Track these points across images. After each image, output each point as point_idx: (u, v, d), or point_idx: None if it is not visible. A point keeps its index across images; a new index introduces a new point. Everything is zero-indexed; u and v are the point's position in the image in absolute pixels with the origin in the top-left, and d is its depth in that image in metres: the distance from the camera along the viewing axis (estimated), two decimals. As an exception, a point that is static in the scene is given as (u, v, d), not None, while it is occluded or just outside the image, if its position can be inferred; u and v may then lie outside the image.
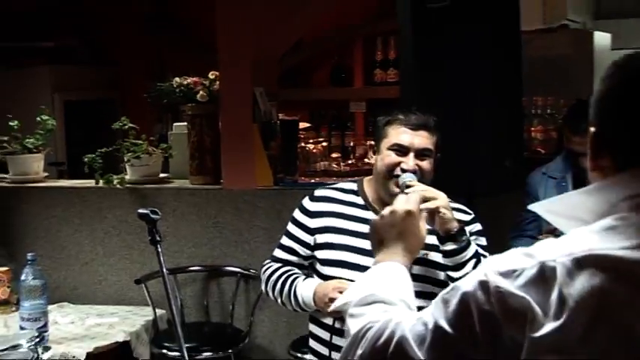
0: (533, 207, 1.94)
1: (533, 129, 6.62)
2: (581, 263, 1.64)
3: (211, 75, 5.86)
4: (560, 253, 1.67)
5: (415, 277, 3.10)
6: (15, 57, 7.93)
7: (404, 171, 3.38)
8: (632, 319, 1.62)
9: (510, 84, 4.63)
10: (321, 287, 3.48)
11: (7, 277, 5.36)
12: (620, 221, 1.68)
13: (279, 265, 3.74)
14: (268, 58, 6.01)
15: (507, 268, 1.70)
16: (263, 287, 3.79)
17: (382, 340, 1.79)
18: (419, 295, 3.08)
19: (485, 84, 4.41)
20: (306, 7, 6.01)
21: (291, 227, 3.74)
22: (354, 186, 3.71)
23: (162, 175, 6.15)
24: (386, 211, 2.42)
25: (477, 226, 3.58)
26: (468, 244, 3.35)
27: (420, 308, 2.74)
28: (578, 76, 7.57)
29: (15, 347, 3.76)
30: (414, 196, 2.57)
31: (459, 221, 3.37)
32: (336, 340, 3.45)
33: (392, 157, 3.43)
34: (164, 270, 3.57)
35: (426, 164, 3.44)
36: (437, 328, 1.74)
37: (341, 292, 3.29)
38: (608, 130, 1.76)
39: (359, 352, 1.84)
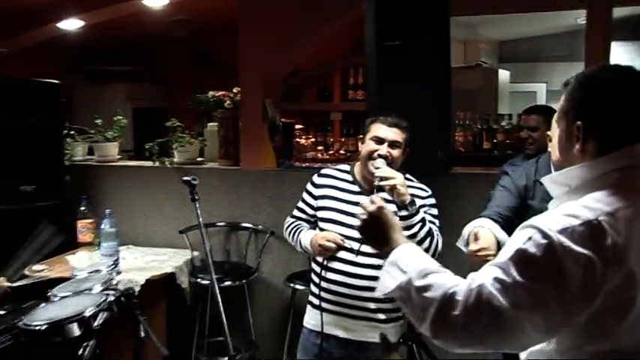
0: (544, 179, 2.03)
1: (456, 134, 6.64)
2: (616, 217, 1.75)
3: (235, 90, 5.87)
4: (597, 212, 1.75)
5: None
6: (102, 77, 8.06)
7: (379, 156, 3.45)
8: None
9: (443, 101, 4.64)
10: (315, 237, 3.57)
11: (92, 226, 5.40)
12: (613, 189, 1.81)
13: (294, 220, 3.84)
14: (274, 79, 6.03)
15: (561, 227, 1.72)
16: (284, 234, 3.90)
17: (472, 298, 1.71)
18: None
19: (426, 100, 4.40)
20: (300, 47, 6.01)
21: (304, 194, 3.83)
22: (347, 167, 3.78)
23: (199, 158, 6.16)
24: (364, 217, 2.23)
25: (431, 200, 3.66)
26: (417, 212, 3.39)
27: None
28: (487, 98, 7.60)
29: (97, 271, 3.78)
30: (375, 197, 2.41)
31: (412, 195, 3.42)
32: (325, 273, 3.59)
33: (371, 146, 3.54)
34: (200, 220, 3.63)
35: (395, 152, 3.54)
36: (516, 282, 1.69)
37: (328, 241, 3.50)
38: (593, 124, 1.89)
39: (455, 313, 1.73)
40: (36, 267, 4.55)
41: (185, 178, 3.56)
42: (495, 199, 3.71)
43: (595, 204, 1.78)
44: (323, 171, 3.84)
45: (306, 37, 5.90)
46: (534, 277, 1.70)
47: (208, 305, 5.36)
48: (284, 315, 5.57)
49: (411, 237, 3.35)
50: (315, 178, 3.82)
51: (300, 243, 3.69)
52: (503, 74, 8.26)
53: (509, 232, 2.19)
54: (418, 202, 3.47)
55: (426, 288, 1.82)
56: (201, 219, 3.64)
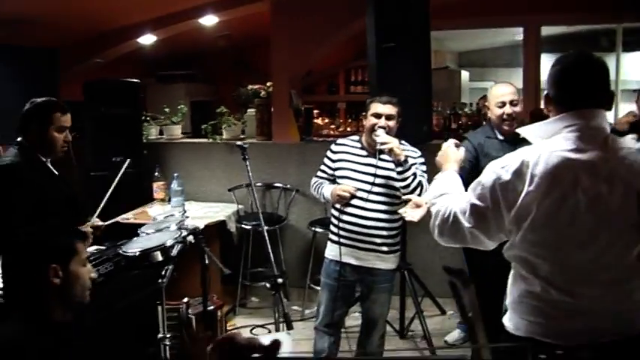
0: (522, 130, 2.08)
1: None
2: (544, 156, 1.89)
3: (268, 84, 5.80)
4: (533, 153, 1.92)
5: (389, 185, 3.42)
6: (169, 78, 7.99)
7: (379, 127, 3.40)
8: (568, 187, 1.85)
9: (425, 90, 4.56)
10: (334, 189, 3.50)
11: (164, 186, 5.34)
12: (563, 136, 1.92)
13: (317, 179, 3.73)
14: (296, 77, 5.96)
15: (503, 165, 1.95)
16: (311, 190, 3.78)
17: (445, 216, 2.09)
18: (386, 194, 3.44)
19: (413, 88, 4.35)
20: (314, 53, 5.92)
21: (325, 159, 3.72)
22: (357, 138, 3.69)
23: (241, 135, 6.04)
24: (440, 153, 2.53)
25: (421, 159, 3.56)
26: (410, 168, 3.36)
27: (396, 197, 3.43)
28: (453, 92, 7.50)
29: (172, 215, 3.73)
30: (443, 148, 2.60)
31: (406, 156, 3.38)
32: (342, 216, 3.52)
33: (372, 120, 3.46)
34: (250, 174, 3.59)
35: (391, 123, 3.46)
36: (472, 204, 2.00)
37: (344, 191, 3.46)
38: (553, 93, 2.01)
39: (436, 223, 2.12)
40: (125, 215, 4.53)
41: (238, 143, 3.47)
42: None
43: (533, 148, 1.95)
44: (339, 140, 3.75)
45: (318, 45, 5.82)
46: (481, 199, 1.99)
47: (250, 244, 5.32)
48: (307, 251, 5.51)
49: (405, 187, 3.38)
50: (333, 146, 3.72)
51: (324, 195, 3.61)
52: (464, 74, 8.20)
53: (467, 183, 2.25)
54: (410, 160, 3.42)
55: (434, 204, 2.20)
56: (250, 173, 3.58)
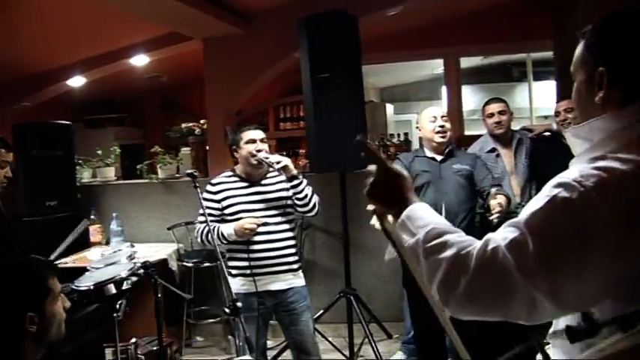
0: (567, 133, 1.39)
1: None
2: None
3: (202, 121, 5.80)
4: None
5: (282, 203, 3.57)
6: (97, 122, 7.94)
7: (258, 151, 3.58)
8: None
9: (359, 117, 4.63)
10: (240, 225, 3.49)
11: (101, 229, 5.31)
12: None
13: (206, 224, 3.56)
14: (230, 113, 5.98)
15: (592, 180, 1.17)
16: (202, 238, 3.64)
17: (487, 255, 1.17)
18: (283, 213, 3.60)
19: (350, 118, 4.45)
20: (247, 90, 5.95)
21: (205, 202, 3.61)
22: (230, 172, 3.78)
23: (177, 174, 5.93)
24: (371, 180, 1.48)
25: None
26: (301, 180, 3.58)
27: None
28: (379, 125, 7.64)
29: (119, 251, 3.65)
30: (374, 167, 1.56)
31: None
32: (251, 247, 3.56)
33: (249, 147, 3.61)
34: (200, 197, 3.47)
35: (266, 146, 3.67)
36: (532, 243, 1.14)
37: (250, 224, 3.49)
38: (617, 69, 1.28)
39: (471, 268, 1.19)
40: (63, 260, 4.38)
41: (188, 171, 3.41)
42: None
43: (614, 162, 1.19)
44: (213, 181, 3.74)
45: (252, 81, 5.86)
46: (554, 238, 1.14)
47: (192, 282, 5.20)
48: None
49: (303, 198, 3.58)
50: (210, 187, 3.69)
51: (223, 235, 3.51)
52: (389, 107, 8.42)
53: None
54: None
55: (434, 250, 1.27)
56: (202, 201, 3.49)
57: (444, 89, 7.28)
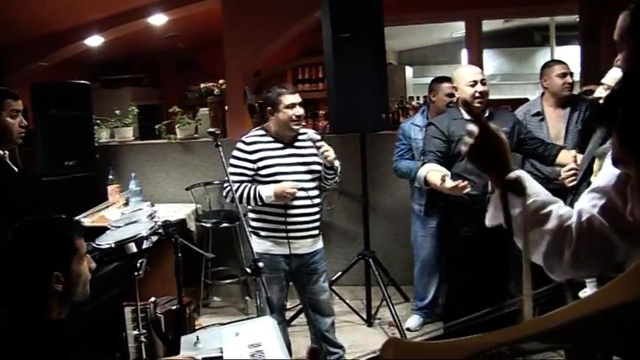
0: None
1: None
2: None
3: (221, 81, 5.72)
4: None
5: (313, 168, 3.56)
6: (114, 83, 7.86)
7: (297, 117, 3.55)
8: None
9: (381, 80, 4.53)
10: (280, 189, 3.46)
11: (119, 189, 5.18)
12: None
13: (238, 184, 3.53)
14: (249, 73, 5.90)
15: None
16: (234, 197, 3.49)
17: (585, 226, 1.24)
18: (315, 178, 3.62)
19: (371, 78, 4.37)
20: (266, 51, 5.85)
21: (237, 161, 3.61)
22: (261, 132, 3.67)
23: (195, 134, 5.85)
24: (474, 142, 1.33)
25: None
26: (336, 174, 3.65)
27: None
28: (398, 87, 7.52)
29: (139, 210, 3.61)
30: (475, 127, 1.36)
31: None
32: (289, 211, 3.56)
33: (289, 112, 3.52)
34: (223, 160, 3.32)
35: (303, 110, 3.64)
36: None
37: (290, 188, 3.45)
38: None
39: (573, 240, 1.26)
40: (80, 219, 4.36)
41: (210, 129, 3.34)
42: (429, 147, 3.71)
43: None
44: (246, 139, 3.60)
45: (270, 41, 5.75)
46: None
47: (210, 242, 5.16)
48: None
49: (333, 177, 3.67)
50: (244, 146, 3.56)
51: (261, 196, 3.44)
52: (409, 70, 8.31)
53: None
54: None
55: (537, 221, 1.28)
56: (224, 159, 3.32)
57: (463, 53, 7.12)
